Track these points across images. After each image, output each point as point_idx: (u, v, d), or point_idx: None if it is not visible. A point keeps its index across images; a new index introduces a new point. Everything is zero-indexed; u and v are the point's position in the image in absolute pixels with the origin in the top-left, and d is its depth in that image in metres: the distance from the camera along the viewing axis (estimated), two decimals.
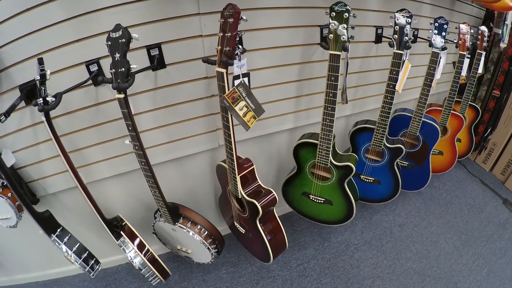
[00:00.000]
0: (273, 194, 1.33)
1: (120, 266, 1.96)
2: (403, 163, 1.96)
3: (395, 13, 1.44)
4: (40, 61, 1.07)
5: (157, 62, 1.27)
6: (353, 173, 1.49)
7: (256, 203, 1.27)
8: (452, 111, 1.99)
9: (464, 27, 1.82)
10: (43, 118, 1.09)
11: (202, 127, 1.50)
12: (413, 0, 1.76)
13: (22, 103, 1.25)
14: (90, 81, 1.24)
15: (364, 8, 1.60)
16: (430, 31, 1.63)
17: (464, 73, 1.94)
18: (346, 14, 1.20)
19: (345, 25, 1.22)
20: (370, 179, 1.83)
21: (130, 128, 1.08)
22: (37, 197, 1.56)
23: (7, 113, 1.14)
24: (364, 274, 1.79)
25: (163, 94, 1.35)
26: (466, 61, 1.92)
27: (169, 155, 1.53)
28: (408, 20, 1.43)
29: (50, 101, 1.06)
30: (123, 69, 0.98)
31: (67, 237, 1.36)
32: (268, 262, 1.51)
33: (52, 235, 1.35)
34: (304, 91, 1.64)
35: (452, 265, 1.83)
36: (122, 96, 1.01)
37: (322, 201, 1.66)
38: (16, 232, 1.63)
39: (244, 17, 1.02)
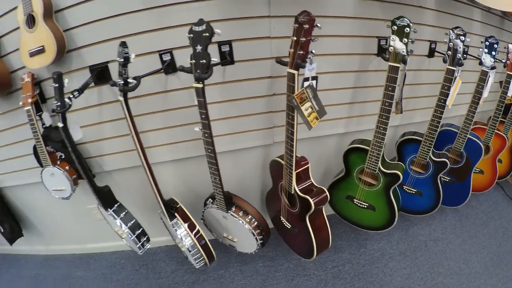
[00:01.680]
0: (326, 193, 1.38)
1: (159, 248, 2.05)
2: (445, 178, 1.96)
3: (450, 30, 1.47)
4: (124, 45, 1.15)
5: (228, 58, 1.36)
6: (399, 181, 1.51)
7: (310, 199, 1.32)
8: (496, 131, 1.98)
9: None
10: (121, 98, 1.18)
11: (260, 123, 1.58)
12: (465, 18, 1.79)
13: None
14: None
15: (420, 23, 1.64)
16: (481, 49, 1.65)
17: (510, 93, 1.93)
18: (408, 29, 1.23)
19: (406, 39, 1.25)
20: (413, 190, 1.84)
21: (203, 116, 1.15)
22: (93, 173, 1.66)
23: (81, 90, 1.25)
24: (396, 283, 1.80)
25: (229, 88, 1.43)
26: None
27: (228, 146, 1.60)
28: (462, 38, 1.45)
29: (130, 82, 1.15)
30: (204, 61, 1.05)
31: (123, 213, 1.45)
32: (310, 258, 1.55)
33: (109, 209, 1.44)
34: (359, 98, 1.69)
35: (481, 285, 1.81)
36: (200, 85, 1.09)
37: (365, 206, 1.69)
38: (64, 204, 1.73)
39: (319, 25, 1.07)
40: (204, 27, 1.02)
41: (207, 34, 1.02)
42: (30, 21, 1.21)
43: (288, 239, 1.74)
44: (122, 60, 1.14)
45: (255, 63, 1.40)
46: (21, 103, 1.36)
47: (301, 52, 1.10)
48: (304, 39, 1.08)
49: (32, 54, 1.24)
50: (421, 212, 1.93)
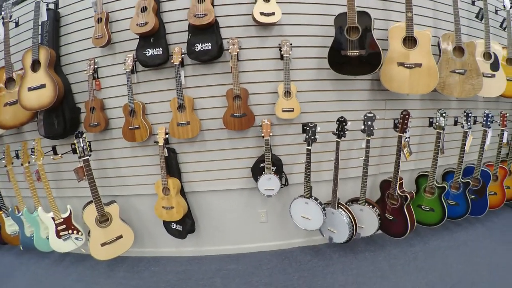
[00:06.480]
0: (413, 193, 3.49)
1: (293, 248, 3.95)
2: (471, 196, 3.99)
3: (464, 110, 3.77)
4: (341, 118, 3.40)
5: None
6: (446, 191, 3.67)
7: (408, 194, 3.43)
8: (500, 165, 4.14)
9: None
10: (338, 139, 3.27)
11: (375, 161, 3.76)
12: (473, 101, 4.18)
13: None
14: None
15: (449, 108, 3.99)
16: (483, 118, 4.01)
17: (504, 140, 4.15)
18: (444, 113, 3.44)
19: (443, 119, 3.49)
20: (453, 202, 3.88)
21: (367, 152, 3.34)
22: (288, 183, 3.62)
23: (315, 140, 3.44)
24: (450, 261, 3.68)
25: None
26: (505, 134, 4.17)
27: (356, 172, 3.74)
28: (470, 114, 3.80)
29: (343, 133, 3.28)
30: (372, 128, 3.19)
31: (318, 200, 3.35)
32: (403, 236, 3.54)
33: (310, 198, 3.35)
34: (420, 149, 3.89)
35: (492, 262, 3.92)
36: (369, 138, 3.35)
37: (428, 209, 3.75)
38: (234, 209, 3.59)
39: (412, 115, 3.39)
40: (372, 114, 3.15)
41: (374, 118, 3.18)
42: (288, 93, 3.28)
43: (387, 228, 3.67)
44: (344, 123, 3.24)
45: (376, 131, 3.51)
46: (262, 135, 3.31)
47: (405, 127, 3.36)
48: (406, 122, 3.32)
49: (284, 111, 3.26)
50: (459, 217, 3.93)
